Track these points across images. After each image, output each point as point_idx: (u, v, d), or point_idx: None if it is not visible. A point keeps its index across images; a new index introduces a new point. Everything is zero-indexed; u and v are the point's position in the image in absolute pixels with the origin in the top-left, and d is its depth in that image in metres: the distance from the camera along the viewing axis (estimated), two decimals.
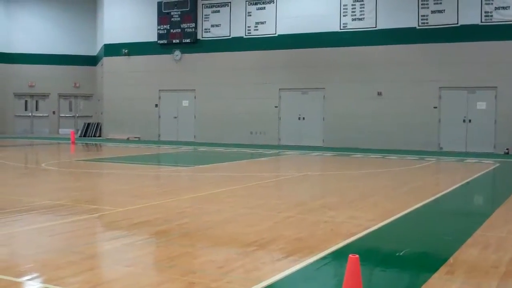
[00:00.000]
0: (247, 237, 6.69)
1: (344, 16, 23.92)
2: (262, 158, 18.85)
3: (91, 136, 31.00)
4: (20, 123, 34.01)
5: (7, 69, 33.08)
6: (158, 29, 28.10)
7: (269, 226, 7.41)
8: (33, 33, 33.30)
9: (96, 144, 26.09)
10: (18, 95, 33.82)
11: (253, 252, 6.01)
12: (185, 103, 27.97)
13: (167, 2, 27.81)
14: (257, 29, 25.83)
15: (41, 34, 33.34)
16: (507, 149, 21.05)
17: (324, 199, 9.92)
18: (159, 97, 28.54)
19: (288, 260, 5.68)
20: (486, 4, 21.63)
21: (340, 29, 24.05)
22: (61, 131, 33.77)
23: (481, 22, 21.76)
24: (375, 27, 23.44)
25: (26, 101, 34.06)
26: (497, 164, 16.99)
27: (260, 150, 21.83)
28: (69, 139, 26.84)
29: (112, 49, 29.54)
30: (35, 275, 5.13)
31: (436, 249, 6.51)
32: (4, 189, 10.78)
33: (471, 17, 21.85)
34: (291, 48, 24.88)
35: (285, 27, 25.06)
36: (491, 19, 21.64)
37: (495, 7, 21.55)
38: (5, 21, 33.16)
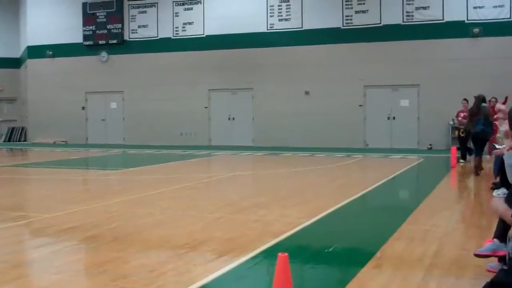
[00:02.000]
0: (178, 240, 6.70)
1: (271, 16, 24.18)
2: (193, 159, 18.81)
3: (16, 141, 29.97)
4: None
5: None
6: (84, 30, 27.48)
7: (200, 228, 7.44)
8: None
9: (21, 149, 25.26)
10: None
11: (185, 254, 6.03)
12: (113, 105, 27.48)
13: (92, 2, 27.24)
14: (185, 30, 25.70)
15: None
16: (430, 144, 21.87)
17: (254, 199, 10.03)
18: (86, 100, 27.92)
19: (220, 261, 5.74)
20: (408, 4, 22.41)
21: (267, 29, 24.29)
22: None
23: (403, 22, 22.53)
24: (302, 27, 23.82)
25: None
26: (421, 160, 17.66)
27: (191, 151, 21.77)
28: None
29: (36, 51, 28.65)
30: None
31: (364, 243, 6.73)
32: None
33: (393, 17, 22.57)
34: (220, 49, 24.90)
35: (213, 28, 25.07)
36: (412, 19, 22.44)
37: (416, 7, 22.36)
38: None
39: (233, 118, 25.20)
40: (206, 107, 25.52)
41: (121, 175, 14.46)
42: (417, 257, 5.89)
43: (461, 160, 16.58)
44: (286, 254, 4.31)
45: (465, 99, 17.06)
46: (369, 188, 11.28)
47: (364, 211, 9.38)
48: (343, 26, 23.24)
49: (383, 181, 12.48)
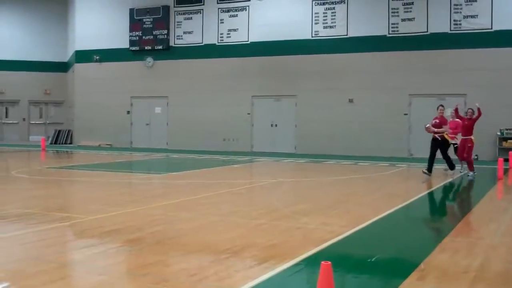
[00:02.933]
0: (219, 245, 6.69)
1: (316, 23, 24.13)
2: (235, 165, 18.86)
3: (62, 143, 30.65)
4: None
5: None
6: (130, 36, 27.96)
7: (242, 233, 7.43)
8: (4, 39, 32.83)
9: (67, 151, 25.80)
10: None
11: (226, 259, 6.02)
12: (157, 110, 27.85)
13: (139, 8, 27.70)
14: (230, 36, 25.87)
15: (12, 40, 32.89)
16: (476, 155, 21.38)
17: (296, 206, 9.97)
18: (131, 104, 28.37)
19: (261, 267, 5.70)
20: (455, 12, 22.04)
21: (312, 36, 24.24)
22: (32, 138, 33.32)
23: (450, 30, 22.16)
24: (346, 35, 23.69)
25: None
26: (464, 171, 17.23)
27: (233, 157, 21.84)
28: (39, 146, 26.51)
29: (83, 56, 29.29)
30: (6, 284, 5.07)
31: (407, 254, 6.60)
32: None
33: (440, 25, 22.23)
34: (264, 55, 24.99)
35: (258, 35, 25.17)
36: (460, 28, 22.05)
37: (464, 16, 21.97)
38: None
39: (276, 125, 25.20)
40: (248, 114, 25.60)
41: (164, 179, 14.59)
42: (462, 269, 5.74)
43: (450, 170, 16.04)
44: (330, 262, 4.25)
45: (441, 105, 16.29)
46: (413, 199, 11.09)
47: (407, 221, 9.21)
48: (389, 34, 23.01)
49: (427, 191, 12.25)
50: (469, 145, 15.21)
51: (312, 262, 5.94)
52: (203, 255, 6.25)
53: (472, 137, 15.28)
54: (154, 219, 8.45)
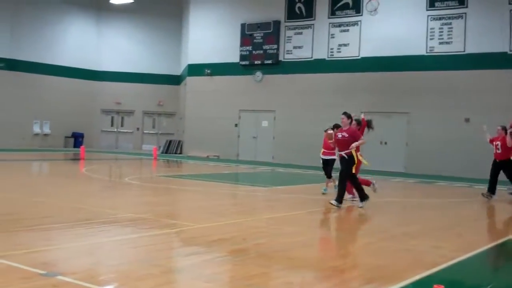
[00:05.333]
0: (325, 261, 6.57)
1: (431, 39, 23.35)
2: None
3: (172, 153, 31.69)
4: (106, 138, 35.31)
5: (95, 86, 34.52)
6: (241, 50, 28.50)
7: (348, 252, 7.25)
8: (121, 52, 34.65)
9: (177, 161, 26.63)
10: (105, 111, 35.16)
11: (330, 277, 5.88)
12: (264, 123, 28.12)
13: (251, 24, 28.19)
14: (340, 51, 25.67)
15: (129, 53, 34.63)
16: None
17: (405, 227, 9.61)
18: (239, 117, 28.85)
19: None
20: None
21: (427, 52, 23.49)
22: (144, 147, 34.77)
23: None
24: (464, 51, 22.73)
25: (112, 117, 35.36)
26: None
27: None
28: (151, 155, 27.57)
29: (195, 69, 30.21)
30: (116, 285, 5.23)
31: None
32: (90, 200, 11.14)
33: None
34: (375, 71, 24.53)
35: (369, 50, 24.77)
36: None
37: None
38: (96, 41, 34.70)
39: (385, 143, 24.62)
40: None
41: (269, 192, 14.63)
42: None
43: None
44: (443, 286, 4.01)
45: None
46: None
47: None
48: (510, 50, 21.82)
49: None
50: None
51: (421, 285, 5.66)
52: (307, 271, 6.14)
53: None
54: (259, 231, 8.45)
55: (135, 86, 34.51)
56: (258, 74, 28.10)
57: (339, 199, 11.11)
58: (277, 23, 27.42)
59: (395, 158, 24.18)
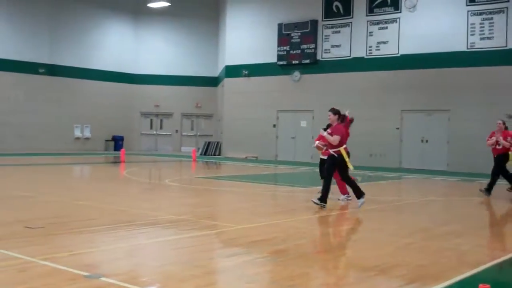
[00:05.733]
0: (366, 262, 6.49)
1: (471, 35, 22.90)
2: (382, 182, 18.38)
3: (211, 155, 31.87)
4: (145, 140, 35.75)
5: (134, 89, 34.98)
6: (278, 50, 28.47)
7: (390, 251, 7.14)
8: (159, 55, 35.04)
9: (215, 162, 26.77)
10: (144, 114, 35.60)
11: (373, 277, 5.81)
12: (303, 123, 28.03)
13: (288, 23, 28.15)
14: (379, 49, 25.40)
15: (166, 56, 34.99)
16: None
17: (448, 226, 9.43)
18: (277, 118, 28.83)
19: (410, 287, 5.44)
20: None
21: (467, 48, 23.04)
22: (183, 149, 35.07)
23: None
24: (506, 46, 22.22)
25: (151, 120, 35.77)
26: None
27: (380, 173, 21.32)
28: (190, 157, 27.78)
29: (233, 70, 30.32)
30: (159, 286, 5.28)
31: None
32: (131, 202, 11.29)
33: None
34: (414, 68, 24.19)
35: (408, 47, 24.44)
36: None
37: None
38: (134, 45, 35.17)
39: (426, 141, 24.27)
40: (397, 128, 24.91)
41: (308, 193, 14.54)
42: None
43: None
44: (489, 285, 3.92)
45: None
46: None
47: None
48: None
49: None
50: None
51: (466, 285, 5.55)
52: (349, 271, 6.09)
53: None
54: (299, 232, 8.42)
55: (173, 88, 34.85)
56: (296, 74, 28.04)
57: (323, 198, 10.67)
58: (314, 22, 27.31)
59: (437, 156, 23.80)
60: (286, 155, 28.34)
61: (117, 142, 33.66)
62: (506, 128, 13.91)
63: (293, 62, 27.99)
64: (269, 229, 8.47)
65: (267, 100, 28.84)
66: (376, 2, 25.46)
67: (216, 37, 34.39)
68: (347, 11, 26.43)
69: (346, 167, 10.81)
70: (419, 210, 11.76)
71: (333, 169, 10.84)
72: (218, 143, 32.34)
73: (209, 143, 32.93)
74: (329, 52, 26.99)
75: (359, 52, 26.01)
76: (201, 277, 5.56)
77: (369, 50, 25.73)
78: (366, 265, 6.29)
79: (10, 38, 29.62)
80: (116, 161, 25.16)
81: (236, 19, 30.36)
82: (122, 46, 34.67)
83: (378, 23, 25.44)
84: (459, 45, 23.19)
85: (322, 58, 27.27)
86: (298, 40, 27.78)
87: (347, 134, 11.61)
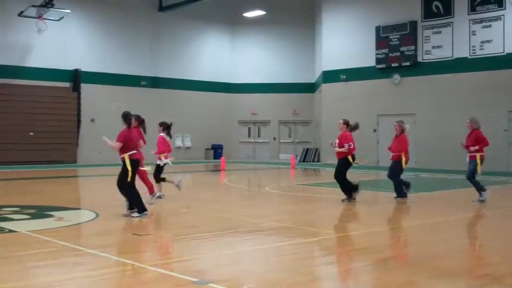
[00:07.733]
0: (478, 269, 6.23)
1: None
2: (488, 186, 17.53)
3: (310, 161, 31.78)
4: (243, 148, 36.25)
5: (232, 98, 35.59)
6: (377, 54, 27.99)
7: (503, 259, 6.79)
8: (255, 63, 35.45)
9: (314, 169, 26.67)
10: (242, 123, 36.12)
11: (485, 285, 5.55)
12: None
13: (386, 26, 27.63)
14: (483, 48, 24.33)
15: (263, 64, 35.33)
16: None
17: None
18: (377, 122, 28.31)
19: None
20: None
21: None
22: (281, 156, 35.21)
23: None
24: None
25: (249, 128, 36.24)
26: None
27: (487, 178, 20.36)
28: (289, 164, 27.85)
29: (330, 76, 30.13)
30: None
31: None
32: (233, 210, 11.48)
33: None
34: None
35: None
36: None
37: None
38: (231, 55, 35.81)
39: None
40: (505, 130, 23.72)
41: (413, 199, 14.13)
42: None
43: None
44: None
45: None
46: None
47: None
48: None
49: None
50: None
51: None
52: (459, 279, 5.86)
53: None
54: (403, 239, 8.23)
55: (270, 96, 35.12)
56: (396, 76, 27.44)
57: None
58: (413, 24, 26.63)
59: None
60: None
61: (216, 151, 34.37)
62: None
63: (393, 65, 27.41)
64: (371, 237, 8.30)
65: (366, 105, 28.40)
66: (478, 0, 24.43)
67: (312, 43, 34.34)
68: (448, 11, 25.54)
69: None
70: None
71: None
72: (316, 149, 32.21)
73: (307, 149, 32.87)
74: (430, 54, 26.18)
75: (462, 52, 25.04)
76: (307, 285, 5.55)
77: (473, 49, 24.69)
78: (478, 273, 6.07)
79: (115, 54, 31.03)
80: (216, 169, 25.68)
81: (332, 24, 30.19)
82: (219, 56, 35.41)
83: (481, 22, 24.38)
84: None
85: (423, 59, 26.49)
86: (397, 42, 27.17)
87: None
